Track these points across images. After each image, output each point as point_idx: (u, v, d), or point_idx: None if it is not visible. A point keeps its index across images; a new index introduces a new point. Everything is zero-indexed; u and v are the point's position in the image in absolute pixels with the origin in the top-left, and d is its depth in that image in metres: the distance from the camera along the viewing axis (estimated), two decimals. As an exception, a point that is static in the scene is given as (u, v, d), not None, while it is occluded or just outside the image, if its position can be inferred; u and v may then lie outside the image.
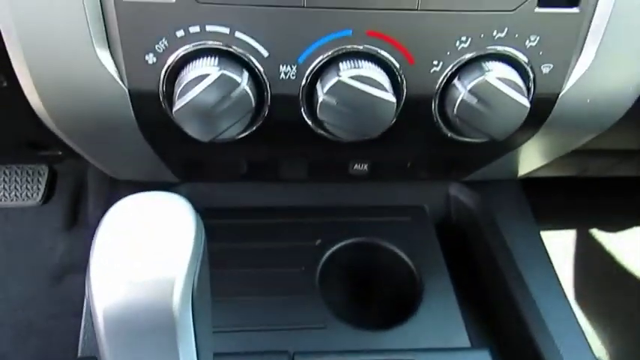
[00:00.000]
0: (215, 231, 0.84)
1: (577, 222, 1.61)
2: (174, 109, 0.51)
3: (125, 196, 0.42)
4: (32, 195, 1.38)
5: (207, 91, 0.50)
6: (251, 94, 0.52)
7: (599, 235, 1.61)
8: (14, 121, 0.73)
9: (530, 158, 0.77)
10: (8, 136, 0.82)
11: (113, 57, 0.52)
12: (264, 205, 0.87)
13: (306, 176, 0.79)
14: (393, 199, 0.90)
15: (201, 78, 0.50)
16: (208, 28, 0.51)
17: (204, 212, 0.86)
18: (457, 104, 0.55)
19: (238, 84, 0.51)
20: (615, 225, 1.59)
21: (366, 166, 0.78)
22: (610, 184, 1.30)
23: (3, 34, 0.52)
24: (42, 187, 1.37)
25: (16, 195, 1.38)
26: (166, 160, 0.69)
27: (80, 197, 1.43)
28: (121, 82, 0.54)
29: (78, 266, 1.36)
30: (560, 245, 1.62)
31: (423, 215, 0.92)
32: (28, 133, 0.81)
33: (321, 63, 0.53)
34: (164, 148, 0.64)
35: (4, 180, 1.36)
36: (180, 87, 0.51)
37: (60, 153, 0.91)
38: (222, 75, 0.50)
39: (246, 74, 0.53)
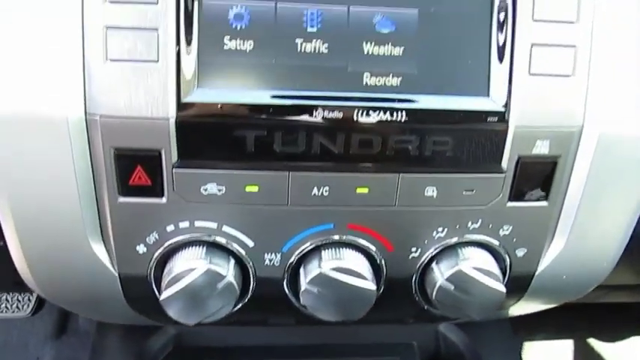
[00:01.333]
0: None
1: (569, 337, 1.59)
2: (161, 298, 0.53)
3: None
4: (23, 307, 1.37)
5: (194, 283, 0.52)
6: (236, 284, 0.54)
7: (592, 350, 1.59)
8: (6, 269, 0.74)
9: (517, 310, 0.78)
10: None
11: (106, 247, 0.55)
12: (251, 344, 0.87)
13: (295, 324, 0.80)
14: (382, 336, 0.90)
15: (189, 271, 0.52)
16: (197, 223, 0.54)
17: (189, 352, 0.87)
18: (435, 289, 0.57)
19: (224, 277, 0.53)
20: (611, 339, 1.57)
21: (352, 315, 0.79)
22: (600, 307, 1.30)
23: (2, 222, 0.55)
24: (33, 300, 1.37)
25: (6, 307, 1.37)
26: (153, 320, 0.71)
27: (71, 306, 1.42)
28: (111, 268, 0.56)
29: (64, 377, 1.33)
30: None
31: (411, 353, 0.91)
32: (20, 279, 0.82)
33: (304, 252, 0.56)
34: (151, 316, 0.65)
35: (-6, 292, 1.36)
36: (169, 277, 0.53)
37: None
38: (208, 269, 0.52)
39: (232, 262, 0.55)
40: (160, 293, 0.55)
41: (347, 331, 0.89)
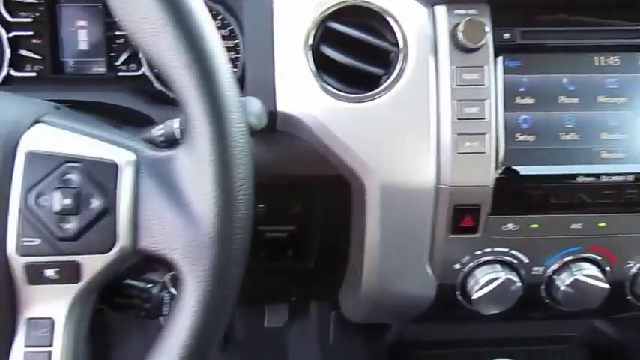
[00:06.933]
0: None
1: None
2: (474, 297, 0.84)
3: None
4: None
5: (497, 287, 0.83)
6: (521, 287, 0.85)
7: None
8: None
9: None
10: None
11: (433, 266, 0.86)
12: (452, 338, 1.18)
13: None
14: (545, 331, 1.20)
15: (493, 280, 0.83)
16: (495, 249, 0.85)
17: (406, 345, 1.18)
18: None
19: (515, 282, 0.84)
20: None
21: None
22: None
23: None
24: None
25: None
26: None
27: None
28: (434, 279, 0.87)
29: None
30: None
31: (574, 343, 1.21)
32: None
33: (559, 265, 0.86)
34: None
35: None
36: (478, 285, 0.84)
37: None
38: (506, 278, 0.83)
39: (514, 273, 0.86)
40: (463, 296, 0.86)
41: (516, 326, 1.18)
